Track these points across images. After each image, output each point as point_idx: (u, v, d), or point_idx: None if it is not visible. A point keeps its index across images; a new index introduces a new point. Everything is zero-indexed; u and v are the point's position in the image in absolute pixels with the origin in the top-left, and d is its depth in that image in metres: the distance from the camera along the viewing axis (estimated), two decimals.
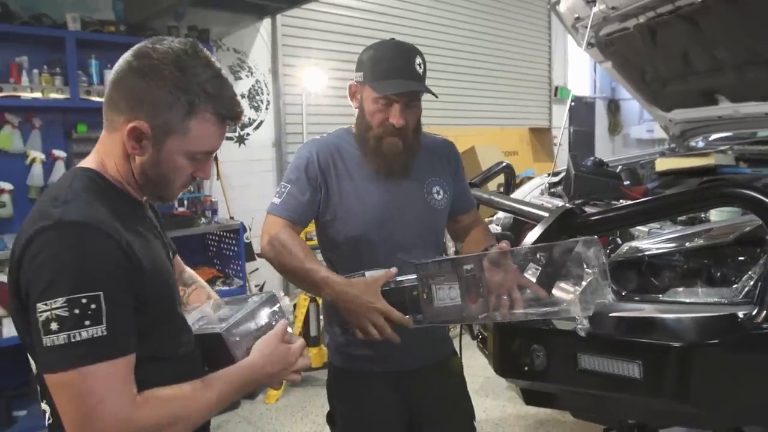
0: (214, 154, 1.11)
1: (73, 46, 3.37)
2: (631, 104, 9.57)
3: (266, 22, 4.79)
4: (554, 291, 1.27)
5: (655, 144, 9.22)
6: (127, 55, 1.02)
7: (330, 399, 1.73)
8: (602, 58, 2.97)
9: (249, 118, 4.78)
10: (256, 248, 3.81)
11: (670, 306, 1.59)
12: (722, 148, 2.45)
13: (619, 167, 2.78)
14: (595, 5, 2.51)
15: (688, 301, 1.57)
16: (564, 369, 1.63)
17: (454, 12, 6.46)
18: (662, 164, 2.57)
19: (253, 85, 4.79)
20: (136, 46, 1.03)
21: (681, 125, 3.06)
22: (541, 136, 7.72)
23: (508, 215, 2.74)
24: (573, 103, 8.60)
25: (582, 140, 8.97)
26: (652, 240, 1.73)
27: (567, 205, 1.72)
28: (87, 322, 0.86)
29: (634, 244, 1.74)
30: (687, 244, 1.64)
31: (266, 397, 3.60)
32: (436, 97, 1.54)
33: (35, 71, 3.32)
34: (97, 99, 3.48)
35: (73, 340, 0.85)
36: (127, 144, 1.01)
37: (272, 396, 3.58)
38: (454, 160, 1.73)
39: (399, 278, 1.38)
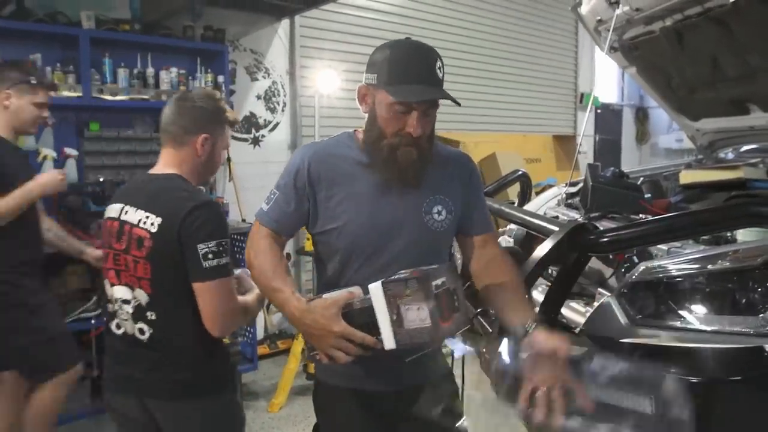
0: None
1: (87, 45, 3.35)
2: (660, 113, 9.27)
3: (284, 22, 4.73)
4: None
5: (685, 154, 8.92)
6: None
7: (315, 410, 1.64)
8: (626, 63, 2.83)
9: (264, 120, 4.72)
10: None
11: (689, 334, 1.45)
12: (753, 160, 2.28)
13: (641, 179, 2.63)
14: (618, 7, 2.36)
15: (709, 329, 1.43)
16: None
17: (476, 14, 6.33)
18: (687, 177, 2.41)
19: (269, 87, 4.73)
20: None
21: (709, 135, 2.89)
22: (565, 143, 7.53)
23: (522, 228, 2.61)
24: (599, 110, 8.38)
25: (608, 149, 8.74)
26: (672, 260, 1.59)
27: (579, 219, 1.59)
28: (224, 255, 1.54)
29: (651, 263, 1.60)
30: (710, 266, 1.50)
31: (269, 406, 3.52)
32: (459, 105, 1.43)
33: (48, 69, 3.30)
34: (110, 98, 3.46)
35: (219, 264, 1.53)
36: (200, 150, 1.70)
37: (275, 405, 3.50)
38: (468, 177, 1.57)
39: (361, 299, 1.28)
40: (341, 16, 5.03)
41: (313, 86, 4.80)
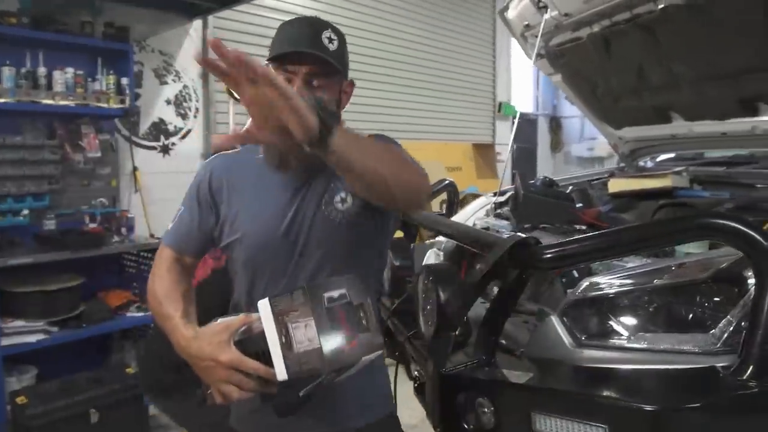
0: None
1: None
2: (573, 122, 9.64)
3: (197, 23, 4.43)
4: None
5: (595, 162, 9.30)
6: None
7: None
8: (551, 71, 2.79)
9: (175, 126, 4.40)
10: None
11: (639, 355, 1.36)
12: (678, 169, 2.29)
13: (570, 188, 2.59)
14: (546, 11, 2.31)
15: (659, 348, 1.34)
16: (516, 430, 1.37)
17: (395, 22, 6.28)
18: (615, 185, 2.38)
19: (180, 91, 4.41)
20: None
21: (631, 143, 2.91)
22: (484, 152, 7.62)
23: (451, 240, 2.50)
24: (517, 120, 8.56)
25: (524, 157, 8.95)
26: (615, 275, 1.51)
27: (519, 234, 1.47)
28: None
29: (594, 279, 1.51)
30: (656, 280, 1.42)
31: None
32: (341, 72, 1.28)
33: None
34: None
35: None
36: None
37: None
38: None
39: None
40: (258, 18, 4.80)
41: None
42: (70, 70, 3.38)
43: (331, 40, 1.26)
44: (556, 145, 9.73)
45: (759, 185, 2.12)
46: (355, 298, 1.04)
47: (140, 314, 3.50)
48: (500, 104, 8.09)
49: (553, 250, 1.39)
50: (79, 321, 3.21)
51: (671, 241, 1.39)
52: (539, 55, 2.63)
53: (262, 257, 1.28)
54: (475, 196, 3.48)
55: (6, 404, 2.91)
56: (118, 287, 3.70)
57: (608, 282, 1.50)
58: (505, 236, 1.57)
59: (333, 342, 0.97)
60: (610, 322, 1.45)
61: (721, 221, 1.17)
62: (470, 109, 7.63)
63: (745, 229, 1.14)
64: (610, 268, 1.60)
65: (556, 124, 9.70)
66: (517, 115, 2.75)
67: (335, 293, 1.02)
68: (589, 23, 2.30)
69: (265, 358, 1.02)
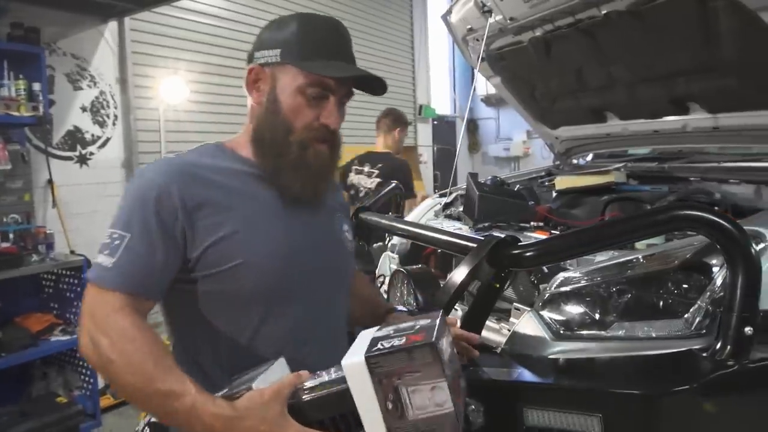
0: None
1: None
2: (489, 123, 9.98)
3: (112, 25, 4.19)
4: None
5: (512, 162, 9.69)
6: None
7: None
8: (491, 74, 2.87)
9: (92, 135, 4.13)
10: None
11: (618, 344, 1.41)
12: (617, 165, 2.42)
13: (517, 186, 2.67)
14: (491, 16, 2.36)
15: (637, 336, 1.40)
16: (507, 428, 1.39)
17: None
18: (562, 183, 2.48)
19: (96, 97, 4.15)
20: None
21: (567, 142, 3.04)
22: (407, 154, 7.68)
23: (404, 241, 2.51)
24: (435, 122, 8.75)
25: (445, 158, 9.16)
26: (587, 269, 1.56)
27: (498, 234, 1.50)
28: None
29: (569, 273, 1.56)
30: (629, 272, 1.49)
31: None
32: (385, 90, 1.15)
33: None
34: None
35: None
36: None
37: None
38: (342, 197, 1.39)
39: (318, 380, 0.89)
40: (179, 21, 4.61)
41: (153, 97, 4.33)
42: None
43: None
44: (474, 146, 10.03)
45: (692, 179, 2.28)
46: (449, 337, 0.91)
47: (65, 338, 3.25)
48: (421, 107, 8.24)
49: (535, 248, 1.42)
50: None
51: (651, 233, 1.45)
52: (481, 59, 2.69)
53: (283, 286, 1.06)
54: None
55: None
56: (38, 310, 3.41)
57: (581, 276, 1.55)
58: (482, 237, 1.59)
59: (458, 401, 0.84)
60: (587, 315, 1.50)
61: (699, 213, 1.24)
62: None
63: (721, 221, 1.22)
64: (579, 264, 1.66)
65: (473, 125, 9.99)
66: (463, 124, 2.78)
67: (444, 341, 0.86)
68: (532, 27, 2.38)
69: (342, 425, 0.87)
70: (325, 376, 0.88)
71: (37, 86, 3.36)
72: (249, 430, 0.84)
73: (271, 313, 1.06)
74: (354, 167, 3.68)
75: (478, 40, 2.57)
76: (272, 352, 1.02)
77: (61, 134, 3.92)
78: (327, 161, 1.10)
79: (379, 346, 0.83)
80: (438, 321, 0.88)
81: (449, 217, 2.65)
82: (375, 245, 3.00)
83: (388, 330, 0.89)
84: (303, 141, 1.06)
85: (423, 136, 8.43)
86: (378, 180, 3.41)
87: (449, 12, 2.62)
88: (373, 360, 0.81)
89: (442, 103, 9.19)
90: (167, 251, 0.99)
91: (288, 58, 1.05)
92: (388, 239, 2.68)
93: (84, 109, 4.07)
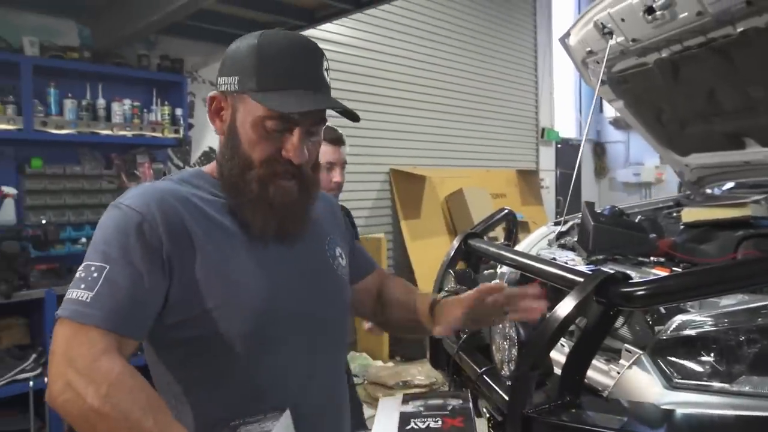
0: None
1: (29, 73, 3.05)
2: (617, 147, 9.48)
3: None
4: None
5: (642, 188, 9.10)
6: None
7: None
8: (613, 97, 2.72)
9: None
10: None
11: (743, 400, 1.26)
12: (757, 197, 2.18)
13: (639, 217, 2.49)
14: (612, 38, 2.25)
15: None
16: None
17: (439, 50, 6.31)
18: (689, 215, 2.27)
19: None
20: None
21: (698, 171, 2.80)
22: (528, 178, 7.52)
23: (515, 270, 2.42)
24: (559, 145, 8.46)
25: (567, 183, 8.81)
26: (712, 312, 1.41)
27: (607, 270, 1.40)
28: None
29: (688, 317, 1.42)
30: (760, 319, 1.33)
31: None
32: (356, 119, 1.02)
33: None
34: (55, 131, 3.14)
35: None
36: None
37: None
38: (338, 214, 1.25)
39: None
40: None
41: None
42: (127, 102, 3.46)
43: (327, 70, 1.01)
44: (601, 170, 9.56)
45: None
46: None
47: None
48: (543, 130, 8.02)
49: (647, 287, 1.31)
50: None
51: None
52: (601, 82, 2.56)
53: (270, 330, 0.96)
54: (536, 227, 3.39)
55: (65, 431, 2.91)
56: None
57: (703, 320, 1.41)
58: (589, 271, 1.49)
59: None
60: (709, 364, 1.35)
61: None
62: (513, 135, 7.58)
63: None
64: (702, 306, 1.51)
65: (600, 149, 9.55)
66: (584, 146, 2.65)
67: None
68: (657, 48, 2.22)
69: None
70: None
71: (179, 111, 3.71)
72: None
73: (262, 365, 0.96)
74: None
75: (598, 62, 2.45)
76: (270, 397, 0.96)
77: (198, 155, 4.27)
78: (293, 197, 0.98)
79: (412, 425, 0.79)
80: (470, 403, 0.86)
81: (563, 246, 2.53)
82: (485, 272, 2.94)
83: (417, 406, 0.85)
84: (262, 177, 0.96)
85: (545, 159, 8.18)
86: None
87: (567, 35, 2.53)
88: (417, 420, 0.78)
89: (567, 126, 8.89)
90: (152, 281, 0.87)
91: (245, 88, 0.94)
92: (499, 267, 2.61)
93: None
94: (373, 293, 1.30)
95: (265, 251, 0.99)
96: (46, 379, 0.83)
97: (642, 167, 8.87)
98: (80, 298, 0.83)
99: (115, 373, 0.78)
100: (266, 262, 0.98)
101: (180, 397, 0.96)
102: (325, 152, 2.01)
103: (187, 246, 0.92)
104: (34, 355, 2.89)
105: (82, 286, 0.84)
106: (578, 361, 1.45)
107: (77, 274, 0.87)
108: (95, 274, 0.85)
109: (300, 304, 1.01)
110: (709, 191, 2.92)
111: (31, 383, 2.81)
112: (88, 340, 0.80)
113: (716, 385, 1.32)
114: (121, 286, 0.85)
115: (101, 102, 3.37)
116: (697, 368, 1.37)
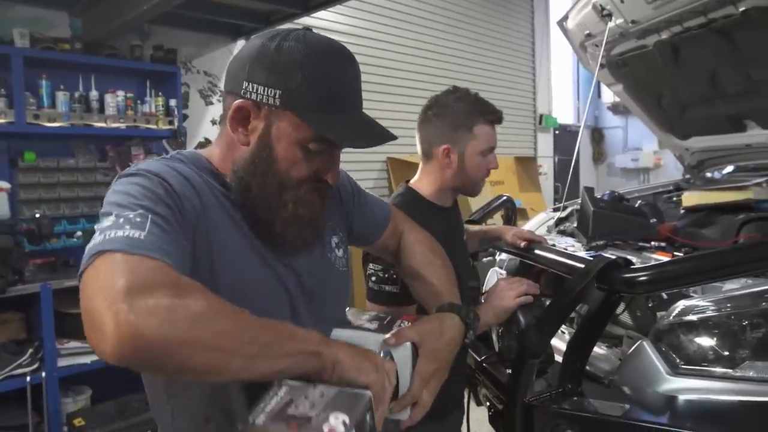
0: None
1: (20, 65, 2.99)
2: (615, 133, 9.44)
3: (241, 43, 4.45)
4: None
5: (640, 173, 9.07)
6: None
7: None
8: (612, 81, 2.68)
9: None
10: None
11: (749, 386, 1.24)
12: (758, 180, 2.15)
13: (639, 202, 2.46)
14: (611, 20, 2.21)
15: None
16: None
17: (434, 36, 6.25)
18: (690, 199, 2.25)
19: None
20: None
21: (699, 154, 2.77)
22: (526, 165, 7.47)
23: (514, 257, 2.40)
24: (557, 132, 8.42)
25: (566, 169, 8.77)
26: (715, 297, 1.39)
27: (608, 255, 1.38)
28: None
29: (691, 302, 1.40)
30: (764, 303, 1.30)
31: None
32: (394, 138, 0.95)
33: None
34: (47, 124, 3.09)
35: None
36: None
37: None
38: (345, 186, 1.21)
39: None
40: None
41: None
42: (120, 93, 3.41)
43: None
44: (599, 156, 9.53)
45: None
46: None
47: None
48: (541, 116, 7.98)
49: (648, 272, 1.29)
50: None
51: None
52: (600, 65, 2.52)
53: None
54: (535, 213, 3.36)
55: (63, 425, 2.90)
56: None
57: (706, 305, 1.39)
58: (590, 257, 1.47)
59: None
60: (712, 349, 1.33)
61: None
62: (511, 121, 7.52)
63: None
64: (705, 292, 1.49)
65: (598, 135, 9.51)
66: (584, 132, 2.62)
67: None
68: (657, 30, 2.19)
69: None
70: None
71: (173, 102, 3.66)
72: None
73: None
74: None
75: (597, 45, 2.41)
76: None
77: (193, 145, 4.22)
78: (318, 209, 0.96)
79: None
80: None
81: (562, 233, 2.51)
82: (484, 260, 2.92)
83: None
84: (300, 197, 0.92)
85: (543, 146, 8.15)
86: None
87: (566, 18, 2.49)
88: None
89: (565, 112, 8.83)
90: (187, 243, 0.80)
91: (290, 106, 0.87)
92: (498, 254, 2.59)
93: (214, 123, 4.36)
94: (390, 251, 1.28)
95: (266, 255, 0.94)
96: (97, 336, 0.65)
97: (640, 152, 8.84)
98: (132, 236, 0.71)
99: (202, 287, 0.70)
100: (266, 263, 0.94)
101: (172, 392, 0.93)
102: None
103: (197, 229, 0.84)
104: (30, 350, 2.87)
105: (127, 226, 0.73)
106: (580, 348, 1.44)
107: (106, 222, 0.74)
108: (138, 219, 0.74)
109: (292, 299, 0.97)
110: (709, 175, 2.89)
111: (28, 378, 2.79)
112: (139, 263, 0.68)
113: (719, 370, 1.30)
114: (166, 231, 0.76)
115: (94, 94, 3.32)
116: (700, 354, 1.35)
